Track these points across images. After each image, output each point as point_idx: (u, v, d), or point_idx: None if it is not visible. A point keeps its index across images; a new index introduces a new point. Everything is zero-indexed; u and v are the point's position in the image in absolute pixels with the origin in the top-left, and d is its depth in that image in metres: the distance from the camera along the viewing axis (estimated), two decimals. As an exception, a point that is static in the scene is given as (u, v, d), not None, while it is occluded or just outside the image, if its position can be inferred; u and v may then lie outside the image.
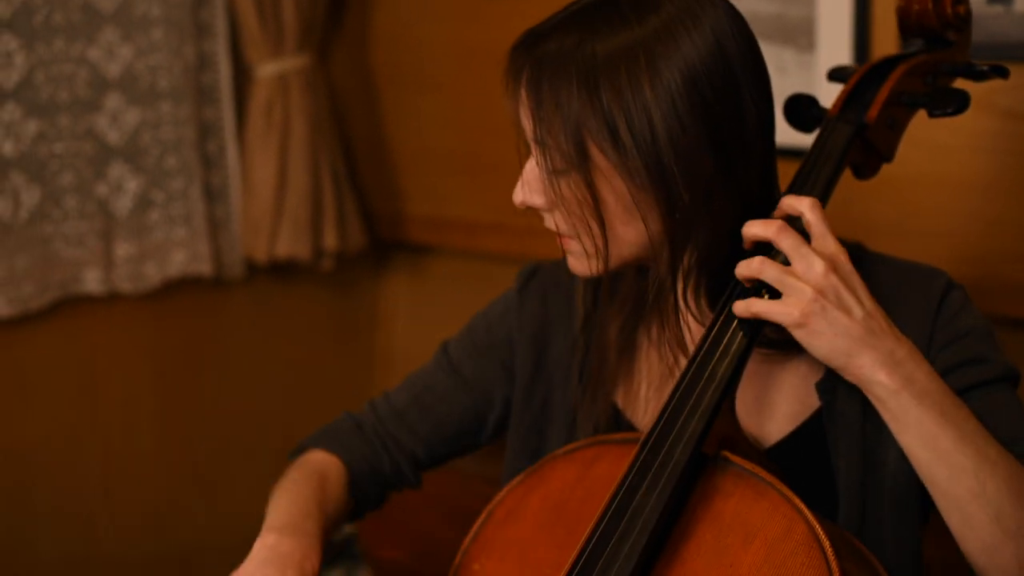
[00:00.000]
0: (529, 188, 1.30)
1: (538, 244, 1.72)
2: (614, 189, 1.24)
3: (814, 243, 1.20)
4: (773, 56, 2.25)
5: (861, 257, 1.37)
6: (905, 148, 2.09)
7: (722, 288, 1.26)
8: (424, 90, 2.82)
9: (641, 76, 1.20)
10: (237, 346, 2.80)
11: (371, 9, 2.88)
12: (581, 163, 1.23)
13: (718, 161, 1.22)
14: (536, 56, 1.23)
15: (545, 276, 1.53)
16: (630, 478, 1.20)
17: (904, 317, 1.30)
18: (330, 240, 2.73)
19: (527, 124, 1.26)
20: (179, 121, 2.58)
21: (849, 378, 1.21)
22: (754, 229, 1.22)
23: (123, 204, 2.54)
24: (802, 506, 1.15)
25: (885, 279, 1.34)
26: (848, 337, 1.18)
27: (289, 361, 2.89)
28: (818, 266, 1.17)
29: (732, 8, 1.27)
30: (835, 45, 2.18)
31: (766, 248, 1.22)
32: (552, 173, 1.26)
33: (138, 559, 2.65)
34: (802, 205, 1.21)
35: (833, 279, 1.17)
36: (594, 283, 1.44)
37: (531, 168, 1.29)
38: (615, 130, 1.21)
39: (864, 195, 2.10)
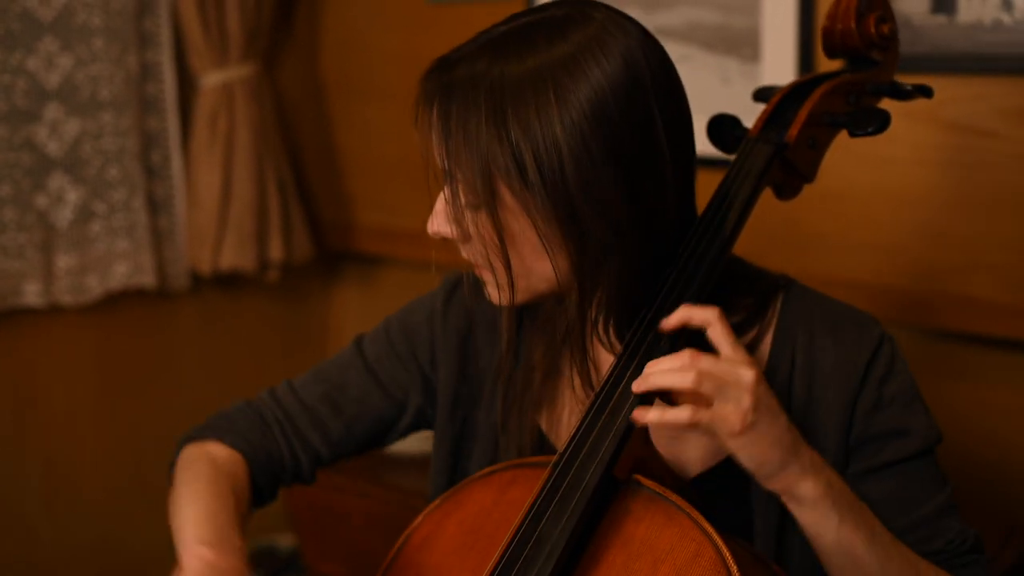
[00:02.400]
0: (441, 219, 1.27)
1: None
2: (523, 227, 1.22)
3: (732, 353, 1.16)
4: (717, 66, 2.24)
5: (790, 293, 1.34)
6: (849, 162, 2.10)
7: (633, 315, 1.24)
8: (374, 99, 2.81)
9: (550, 108, 1.17)
10: (183, 359, 2.77)
11: (320, 17, 2.87)
12: (488, 200, 1.20)
13: (629, 198, 1.20)
14: (445, 84, 1.21)
15: (471, 284, 1.50)
16: (538, 503, 1.18)
17: (830, 366, 1.29)
18: (275, 251, 2.71)
19: (437, 156, 1.24)
20: (121, 131, 2.55)
21: (775, 486, 1.18)
22: (695, 316, 1.18)
23: (63, 215, 2.51)
24: (711, 531, 1.13)
25: (818, 319, 1.32)
26: (780, 446, 1.15)
27: (237, 373, 2.86)
28: (749, 373, 1.14)
29: (646, 34, 1.25)
30: (780, 56, 2.17)
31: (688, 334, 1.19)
32: (461, 207, 1.23)
33: (81, 573, 2.62)
34: (711, 314, 1.17)
35: (763, 387, 1.15)
36: (518, 307, 1.42)
37: (443, 200, 1.27)
38: (523, 167, 1.18)
39: (810, 209, 2.10)
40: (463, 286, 1.50)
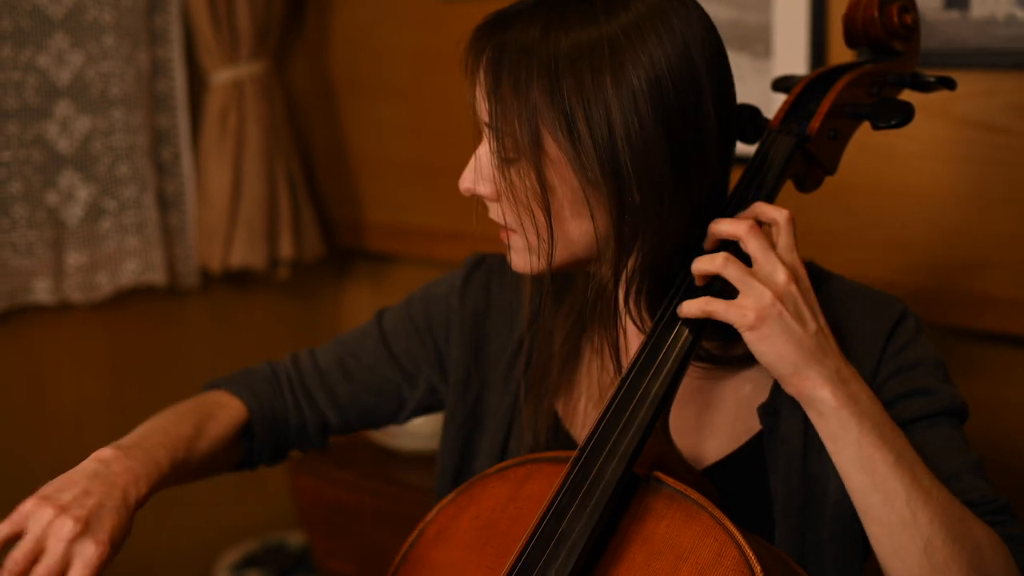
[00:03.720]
0: (478, 175, 1.25)
1: (498, 252, 1.70)
2: (565, 181, 1.21)
3: (779, 253, 1.18)
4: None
5: (815, 274, 1.34)
6: (861, 157, 2.08)
7: (662, 298, 1.24)
8: (384, 97, 2.80)
9: (604, 72, 1.17)
10: (193, 358, 2.77)
11: (330, 15, 2.86)
12: (534, 152, 1.19)
13: (673, 166, 1.19)
14: (499, 40, 1.20)
15: (492, 265, 1.50)
16: (559, 499, 1.17)
17: (853, 341, 1.28)
18: (285, 249, 2.70)
19: (482, 107, 1.22)
20: (131, 128, 2.54)
21: (791, 391, 1.17)
22: (724, 227, 1.19)
23: (74, 213, 2.50)
24: (734, 530, 1.12)
25: (839, 299, 1.32)
26: (799, 348, 1.15)
27: (247, 372, 2.85)
28: (781, 273, 1.15)
29: (704, 15, 1.24)
30: (792, 52, 2.16)
31: (729, 248, 1.20)
32: (503, 160, 1.22)
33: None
34: (780, 215, 1.20)
35: (793, 288, 1.16)
36: (541, 290, 1.40)
37: (482, 154, 1.25)
38: (573, 121, 1.17)
39: (821, 205, 2.08)
40: (484, 266, 1.49)
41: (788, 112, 1.33)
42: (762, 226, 1.21)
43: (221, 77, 2.61)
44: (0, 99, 2.38)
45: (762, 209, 1.21)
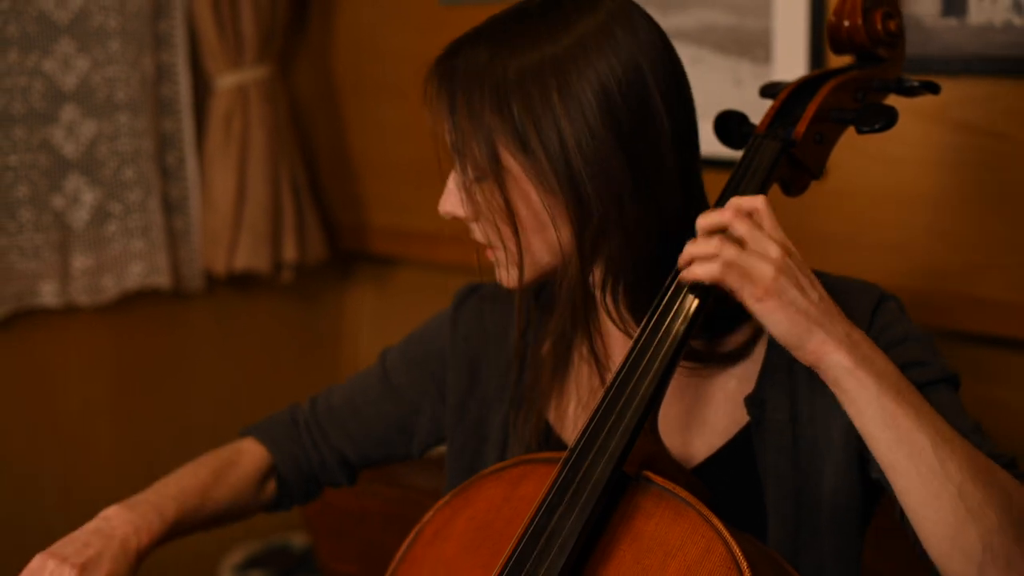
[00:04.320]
0: (452, 198, 1.32)
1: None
2: (526, 195, 1.26)
3: (767, 233, 1.19)
4: (729, 68, 2.24)
5: None
6: (858, 161, 2.10)
7: (647, 303, 1.26)
8: (387, 100, 2.82)
9: (551, 89, 1.22)
10: (197, 360, 2.79)
11: (334, 19, 2.88)
12: (494, 169, 1.25)
13: (630, 173, 1.24)
14: (451, 69, 1.26)
15: (484, 294, 1.54)
16: (550, 498, 1.19)
17: None
18: (290, 252, 2.72)
19: (445, 134, 1.28)
20: (137, 133, 2.57)
21: (808, 359, 1.17)
22: (709, 219, 1.20)
23: (80, 216, 2.53)
24: (722, 527, 1.14)
25: None
26: (806, 316, 1.15)
27: (251, 375, 2.88)
28: (774, 248, 1.16)
29: (653, 26, 1.28)
30: (791, 57, 2.18)
31: None
32: (469, 181, 1.28)
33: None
34: (756, 201, 1.20)
35: (789, 261, 1.17)
36: (531, 300, 1.45)
37: (453, 178, 1.32)
38: (525, 136, 1.23)
39: (818, 208, 2.10)
40: (475, 296, 1.54)
41: (774, 117, 1.34)
42: None
43: (225, 82, 2.64)
44: (7, 104, 2.41)
45: (738, 201, 1.21)
